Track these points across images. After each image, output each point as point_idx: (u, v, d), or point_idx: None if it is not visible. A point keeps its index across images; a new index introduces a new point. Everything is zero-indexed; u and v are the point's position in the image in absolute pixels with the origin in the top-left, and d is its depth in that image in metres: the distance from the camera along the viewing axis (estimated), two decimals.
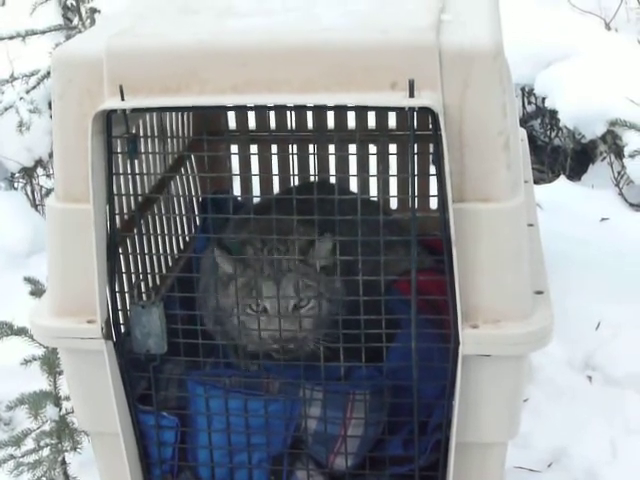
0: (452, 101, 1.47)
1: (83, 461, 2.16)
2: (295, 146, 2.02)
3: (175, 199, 2.20)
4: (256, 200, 2.37)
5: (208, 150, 1.73)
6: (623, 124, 3.11)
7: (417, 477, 1.69)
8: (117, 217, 1.62)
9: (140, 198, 1.78)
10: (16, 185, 3.49)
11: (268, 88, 1.47)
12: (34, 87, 3.26)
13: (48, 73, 3.15)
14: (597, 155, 3.58)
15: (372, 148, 2.36)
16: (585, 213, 3.20)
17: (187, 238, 2.28)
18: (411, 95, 1.43)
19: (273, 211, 1.66)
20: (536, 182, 2.99)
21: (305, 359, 1.70)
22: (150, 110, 1.65)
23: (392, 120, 2.34)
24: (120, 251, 1.68)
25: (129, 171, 1.60)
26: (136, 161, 1.61)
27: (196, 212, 2.37)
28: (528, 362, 2.12)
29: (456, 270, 1.49)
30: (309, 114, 2.34)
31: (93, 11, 3.43)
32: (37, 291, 2.14)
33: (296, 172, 2.12)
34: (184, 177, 2.28)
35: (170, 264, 2.14)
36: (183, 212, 2.27)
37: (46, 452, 2.11)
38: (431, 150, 1.52)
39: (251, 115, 2.43)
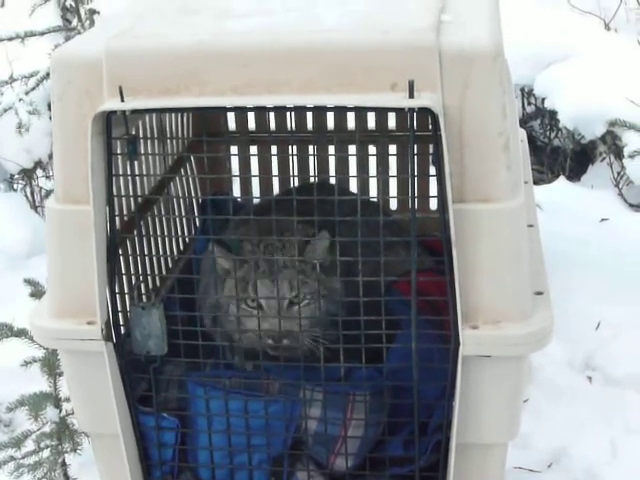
0: (452, 102, 1.47)
1: (83, 462, 2.16)
2: (295, 147, 2.02)
3: (175, 200, 2.20)
4: (256, 201, 2.37)
5: (208, 151, 1.72)
6: (623, 124, 3.11)
7: (417, 478, 1.69)
8: (117, 218, 1.62)
9: (140, 199, 1.78)
10: (15, 186, 3.49)
11: (268, 89, 1.47)
12: (33, 88, 3.26)
13: (47, 74, 3.15)
14: (597, 156, 3.58)
15: (372, 149, 2.36)
16: (585, 214, 3.20)
17: (187, 239, 2.28)
18: (411, 96, 1.43)
19: (273, 212, 1.66)
20: (536, 183, 2.99)
21: (305, 360, 1.70)
22: (150, 111, 1.65)
23: (392, 121, 2.34)
24: (120, 252, 1.68)
25: (129, 172, 1.60)
26: (136, 162, 1.61)
27: (196, 213, 2.37)
28: (528, 363, 2.11)
29: (456, 271, 1.49)
30: (309, 115, 2.34)
31: (92, 12, 3.43)
32: (37, 292, 2.14)
33: (296, 173, 2.12)
34: (184, 178, 2.28)
35: (170, 265, 2.14)
36: (183, 213, 2.26)
37: (46, 453, 2.11)
38: (431, 151, 1.52)
39: (251, 116, 2.43)
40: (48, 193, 3.40)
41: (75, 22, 3.47)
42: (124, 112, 1.50)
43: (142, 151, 1.73)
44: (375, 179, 2.29)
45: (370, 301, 1.58)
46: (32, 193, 3.49)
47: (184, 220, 2.27)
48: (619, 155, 3.36)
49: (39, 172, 3.45)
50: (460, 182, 1.50)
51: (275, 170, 2.43)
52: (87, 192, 1.53)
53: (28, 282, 2.21)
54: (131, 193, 1.67)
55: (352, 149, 2.33)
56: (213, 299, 1.80)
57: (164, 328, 1.64)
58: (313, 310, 1.75)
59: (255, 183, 2.48)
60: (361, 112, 2.23)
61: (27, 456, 2.11)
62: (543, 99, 3.56)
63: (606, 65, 3.46)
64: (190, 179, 2.32)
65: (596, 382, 2.44)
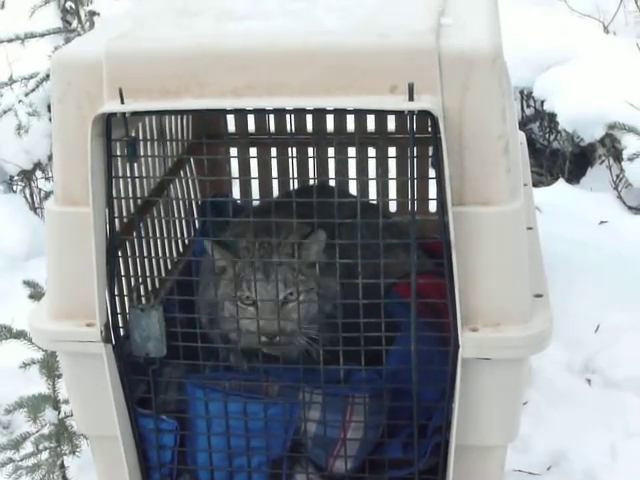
0: (452, 104, 1.47)
1: (82, 465, 2.16)
2: (294, 149, 2.02)
3: (174, 202, 2.20)
4: (256, 203, 2.37)
5: (207, 153, 1.73)
6: (622, 127, 3.11)
7: None
8: (116, 220, 1.62)
9: (139, 201, 1.78)
10: (15, 188, 3.49)
11: (268, 91, 1.47)
12: (33, 90, 3.26)
13: (47, 76, 3.15)
14: (596, 158, 3.59)
15: (371, 151, 2.36)
16: (584, 216, 3.20)
17: (186, 241, 2.28)
18: (411, 98, 1.43)
19: (272, 213, 1.66)
20: (535, 185, 2.99)
21: (301, 361, 1.70)
22: (150, 113, 1.65)
23: (391, 123, 2.34)
24: (119, 254, 1.68)
25: (129, 174, 1.60)
26: (135, 164, 1.61)
27: (195, 215, 2.37)
28: (528, 365, 2.12)
29: (456, 273, 1.49)
30: (309, 117, 2.34)
31: (92, 14, 3.43)
32: (36, 294, 2.14)
33: (295, 175, 2.12)
34: (183, 180, 2.28)
35: (169, 267, 2.14)
36: (182, 215, 2.26)
37: (45, 455, 2.10)
38: (431, 153, 1.52)
39: (250, 118, 2.43)
40: (47, 194, 3.40)
41: (75, 24, 3.47)
42: (124, 114, 1.50)
43: (142, 153, 1.73)
44: (375, 181, 2.30)
45: (370, 303, 1.58)
46: (31, 194, 3.49)
47: (184, 222, 2.27)
48: (618, 158, 3.36)
49: (38, 173, 3.45)
50: (460, 185, 1.50)
51: (275, 172, 2.43)
52: (87, 194, 1.53)
53: (27, 284, 2.21)
54: (131, 195, 1.66)
55: (352, 151, 2.33)
56: (209, 297, 1.80)
57: (163, 330, 1.64)
58: (307, 308, 1.76)
59: (255, 185, 2.48)
60: (361, 114, 2.23)
61: (26, 458, 2.10)
62: (542, 102, 3.57)
63: (605, 68, 3.47)
64: (190, 181, 2.32)
65: (595, 385, 2.44)
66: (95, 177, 1.52)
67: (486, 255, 1.52)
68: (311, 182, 2.36)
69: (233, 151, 2.43)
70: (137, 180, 1.67)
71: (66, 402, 2.06)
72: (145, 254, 1.82)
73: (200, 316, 1.78)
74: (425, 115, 1.43)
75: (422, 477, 1.69)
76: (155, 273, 1.99)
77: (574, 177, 3.64)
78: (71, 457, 2.12)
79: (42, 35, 3.35)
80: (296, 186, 2.18)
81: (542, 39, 3.64)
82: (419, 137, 1.48)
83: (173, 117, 2.15)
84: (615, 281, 2.74)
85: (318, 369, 1.65)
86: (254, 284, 1.72)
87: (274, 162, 2.43)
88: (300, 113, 2.19)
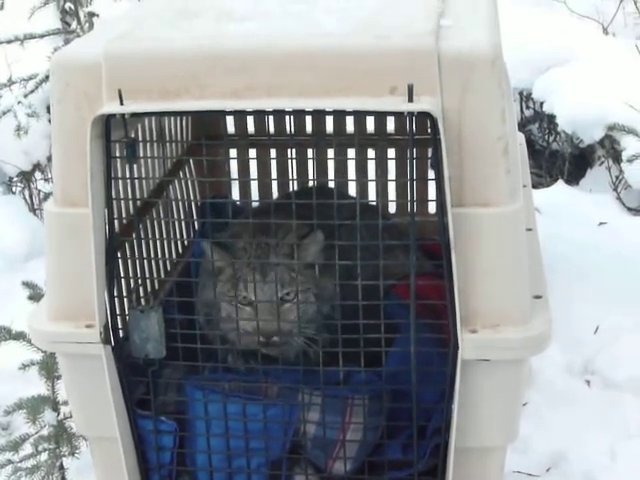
0: (451, 106, 1.47)
1: (81, 466, 2.16)
2: (294, 150, 2.02)
3: (174, 203, 2.20)
4: (255, 204, 2.37)
5: (207, 154, 1.72)
6: (621, 129, 3.11)
7: None
8: (116, 221, 1.62)
9: (139, 202, 1.78)
10: (14, 189, 3.49)
11: (267, 93, 1.47)
12: (32, 91, 3.26)
13: (46, 77, 3.15)
14: (595, 159, 3.59)
15: (371, 153, 2.36)
16: (583, 217, 3.21)
17: (186, 242, 2.28)
18: (410, 100, 1.43)
19: (272, 215, 1.66)
20: (534, 186, 2.99)
21: (298, 361, 1.70)
22: (149, 114, 1.65)
23: (391, 124, 2.34)
24: (119, 255, 1.68)
25: (128, 175, 1.60)
26: (135, 165, 1.61)
27: (195, 216, 2.37)
28: (527, 366, 2.11)
29: (455, 275, 1.49)
30: (308, 118, 2.34)
31: (91, 15, 3.43)
32: (35, 295, 2.14)
33: (295, 176, 2.12)
34: (183, 181, 2.28)
35: (169, 269, 2.14)
36: (182, 216, 2.26)
37: (44, 457, 2.10)
38: (430, 155, 1.52)
39: (250, 119, 2.43)
40: (47, 196, 3.40)
41: (74, 25, 3.47)
42: (123, 115, 1.50)
43: (141, 154, 1.73)
44: (374, 183, 2.30)
45: (369, 304, 1.58)
46: (30, 196, 3.49)
47: (183, 223, 2.27)
48: (617, 159, 3.36)
49: (38, 175, 3.45)
50: (459, 186, 1.50)
51: (274, 173, 2.43)
52: (86, 195, 1.53)
53: (26, 285, 2.20)
54: (130, 196, 1.66)
55: (351, 153, 2.33)
56: (205, 298, 1.80)
57: (162, 331, 1.64)
58: (304, 308, 1.76)
59: (254, 186, 2.48)
60: (360, 116, 2.23)
61: (25, 459, 2.10)
62: (542, 103, 3.57)
63: (604, 69, 3.47)
64: (189, 182, 2.32)
65: (595, 386, 2.44)
66: (94, 178, 1.52)
67: (485, 256, 1.52)
68: (310, 183, 2.36)
69: (233, 152, 2.42)
70: (136, 181, 1.67)
71: (65, 403, 2.05)
72: (144, 255, 1.82)
73: (199, 317, 1.78)
74: (425, 116, 1.43)
75: (421, 478, 1.69)
76: (154, 274, 1.99)
77: (573, 178, 3.64)
78: (70, 458, 2.12)
79: (41, 36, 3.35)
80: (295, 187, 2.18)
81: (541, 40, 3.64)
82: (418, 138, 1.48)
83: (172, 118, 2.15)
84: (614, 282, 2.74)
85: (317, 370, 1.65)
86: (251, 284, 1.72)
87: (273, 163, 2.43)
88: (300, 114, 2.18)
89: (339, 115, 2.23)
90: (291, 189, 2.11)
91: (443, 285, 1.52)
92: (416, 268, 1.53)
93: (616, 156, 3.37)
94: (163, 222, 2.06)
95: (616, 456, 2.20)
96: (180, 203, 2.26)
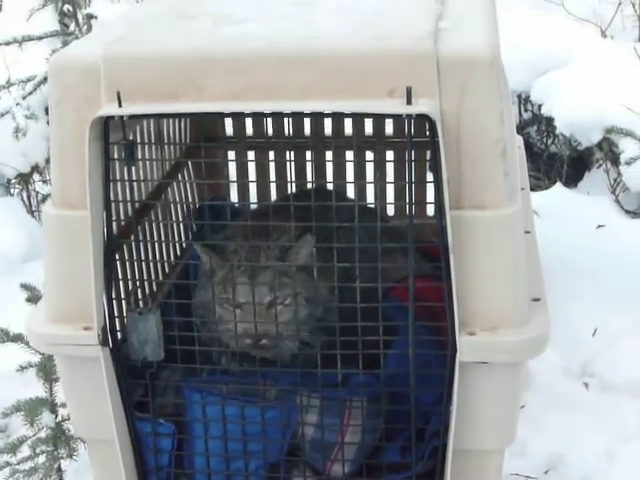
0: (449, 108, 1.47)
1: (79, 468, 2.15)
2: (292, 153, 2.02)
3: (172, 206, 2.20)
4: (253, 207, 2.37)
5: (205, 157, 1.73)
6: (619, 131, 3.12)
7: None
8: (114, 223, 1.62)
9: (137, 205, 1.78)
10: (12, 191, 3.49)
11: (266, 95, 1.47)
12: (30, 93, 3.26)
13: (45, 79, 3.15)
14: (593, 162, 3.59)
15: (369, 155, 2.36)
16: (581, 220, 3.21)
17: (184, 245, 2.28)
18: (409, 102, 1.43)
19: (270, 217, 1.66)
20: (532, 189, 2.99)
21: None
22: (148, 116, 1.65)
23: (389, 127, 2.34)
24: (117, 258, 1.68)
25: (126, 177, 1.60)
26: (133, 167, 1.61)
27: (193, 219, 2.36)
28: (525, 369, 2.12)
29: (453, 277, 1.49)
30: (306, 121, 2.34)
31: (90, 17, 3.43)
32: (33, 297, 2.14)
33: (293, 179, 2.12)
34: (181, 184, 2.28)
35: (167, 271, 2.14)
36: (180, 219, 2.26)
37: (42, 459, 2.10)
38: (428, 157, 1.52)
39: (248, 122, 2.43)
40: (45, 198, 3.40)
41: (73, 27, 3.47)
42: (122, 117, 1.50)
43: (140, 156, 1.73)
44: (372, 185, 2.30)
45: (367, 307, 1.58)
46: (29, 197, 3.49)
47: (181, 225, 2.27)
48: (615, 162, 3.36)
49: (36, 176, 3.45)
50: (457, 188, 1.50)
51: (272, 176, 2.43)
52: (84, 197, 1.53)
53: (24, 287, 2.20)
54: (128, 198, 1.66)
55: (350, 155, 2.33)
56: (199, 299, 1.81)
57: (161, 334, 1.64)
58: (294, 312, 1.75)
59: (252, 189, 2.48)
60: (359, 118, 2.23)
61: (23, 462, 2.10)
62: (540, 105, 3.57)
63: (603, 72, 3.47)
64: (187, 184, 2.32)
65: (593, 389, 2.44)
66: (93, 180, 1.52)
67: (484, 259, 1.52)
68: (309, 186, 2.35)
69: (231, 154, 2.43)
70: (135, 183, 1.67)
71: (63, 406, 2.05)
72: (143, 257, 1.82)
73: (196, 319, 1.78)
74: (423, 119, 1.43)
75: None
76: (153, 276, 1.99)
77: (572, 181, 3.64)
78: (68, 461, 2.12)
79: (40, 38, 3.35)
80: (294, 190, 2.18)
81: (540, 43, 3.64)
82: (417, 141, 1.48)
83: (171, 120, 2.15)
84: (612, 285, 2.74)
85: (316, 373, 1.65)
86: (240, 287, 1.71)
87: (272, 165, 2.43)
88: (298, 117, 2.19)
89: (338, 117, 2.23)
90: (289, 191, 2.10)
91: (441, 287, 1.52)
92: (415, 270, 1.53)
93: (614, 159, 3.37)
94: (161, 224, 2.06)
95: (614, 459, 2.20)
96: (178, 205, 2.26)
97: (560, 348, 2.44)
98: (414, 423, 1.64)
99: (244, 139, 2.43)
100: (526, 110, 3.82)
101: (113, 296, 1.62)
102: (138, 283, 1.82)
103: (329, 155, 2.35)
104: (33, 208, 3.48)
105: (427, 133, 1.46)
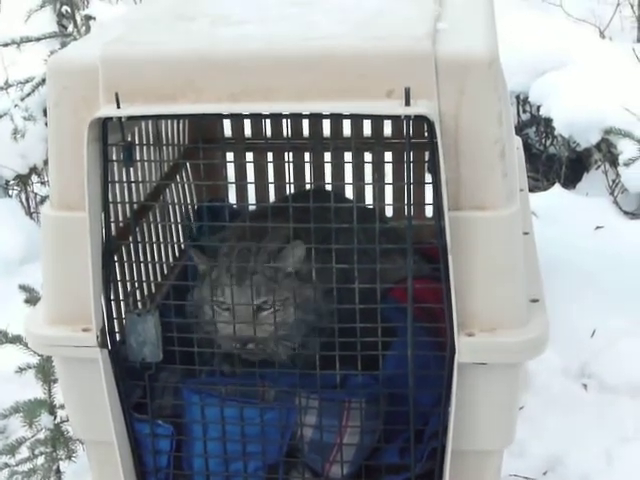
0: (448, 109, 1.47)
1: (78, 470, 2.15)
2: (291, 154, 2.02)
3: (170, 207, 2.20)
4: (251, 208, 2.37)
5: (204, 158, 1.72)
6: (618, 132, 3.11)
7: None
8: (112, 225, 1.62)
9: (136, 206, 1.78)
10: (10, 192, 3.48)
11: (264, 96, 1.47)
12: (29, 94, 3.25)
13: (43, 80, 3.15)
14: (592, 163, 3.59)
15: (368, 156, 2.36)
16: (580, 221, 3.21)
17: (182, 246, 2.28)
18: (407, 103, 1.43)
19: (269, 219, 1.66)
20: (531, 190, 3.00)
21: (301, 367, 1.70)
22: (146, 118, 1.65)
23: (388, 128, 2.34)
24: (115, 259, 1.68)
25: (125, 179, 1.60)
26: (131, 169, 1.61)
27: (192, 220, 2.36)
28: (524, 370, 2.11)
29: (452, 278, 1.49)
30: (305, 122, 2.34)
31: (88, 18, 3.43)
32: (32, 299, 2.13)
33: (292, 180, 2.12)
34: (179, 185, 2.28)
35: (165, 272, 2.14)
36: (179, 220, 2.26)
37: (41, 461, 2.10)
38: (427, 158, 1.52)
39: (247, 123, 2.43)
40: (43, 199, 3.40)
41: (71, 28, 3.47)
42: (120, 119, 1.50)
43: (138, 157, 1.73)
44: (371, 186, 2.30)
45: (366, 308, 1.58)
46: (27, 199, 3.49)
47: (180, 227, 2.27)
48: (614, 163, 3.36)
49: (34, 178, 3.44)
50: (456, 189, 1.50)
51: (271, 177, 2.43)
52: (82, 198, 1.53)
53: (23, 288, 2.20)
54: (127, 200, 1.66)
55: (348, 156, 2.33)
56: (191, 300, 1.81)
57: (159, 335, 1.63)
58: (283, 317, 1.75)
59: (251, 190, 2.48)
60: (357, 119, 2.23)
61: (21, 463, 2.10)
62: (538, 107, 3.57)
63: (601, 73, 3.47)
64: (186, 186, 2.32)
65: (592, 390, 2.44)
66: (91, 182, 1.52)
67: (482, 260, 1.52)
68: (307, 187, 2.35)
69: (229, 156, 2.43)
70: (133, 185, 1.67)
71: (62, 407, 2.05)
72: (141, 259, 1.82)
73: (193, 320, 1.78)
74: (421, 120, 1.43)
75: None
76: (151, 278, 1.99)
77: (570, 182, 3.64)
78: (67, 462, 2.12)
79: (38, 39, 3.35)
80: (292, 191, 2.18)
81: (538, 44, 3.64)
82: (415, 142, 1.48)
83: (169, 121, 2.15)
84: (611, 286, 2.74)
85: (314, 374, 1.65)
86: (228, 289, 1.71)
87: (270, 167, 2.43)
88: (296, 118, 2.19)
89: (336, 118, 2.23)
90: (288, 193, 2.11)
91: (440, 288, 1.52)
92: (414, 271, 1.53)
93: (613, 160, 3.37)
94: (160, 225, 2.06)
95: (613, 460, 2.20)
96: (177, 207, 2.26)
97: (559, 349, 2.44)
98: (413, 424, 1.64)
99: (242, 140, 2.43)
100: (525, 111, 3.82)
101: (112, 297, 1.62)
102: (137, 284, 1.82)
103: (328, 156, 2.35)
104: (31, 209, 3.48)
105: (426, 134, 1.46)
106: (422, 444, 1.70)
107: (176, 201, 2.24)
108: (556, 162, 3.68)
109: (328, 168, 2.37)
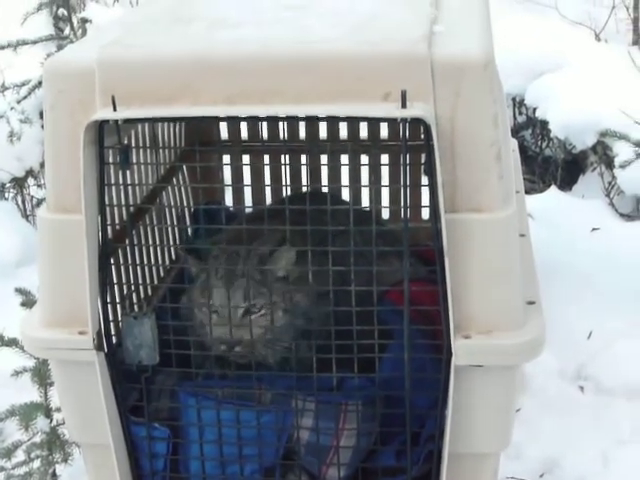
0: (444, 112, 1.47)
1: (74, 473, 2.15)
2: (287, 156, 2.02)
3: (167, 210, 2.20)
4: (248, 211, 2.37)
5: (200, 161, 1.73)
6: (613, 135, 3.12)
7: None
8: (109, 228, 1.62)
9: (132, 209, 1.78)
10: (7, 195, 3.48)
11: (261, 99, 1.47)
12: (25, 97, 3.26)
13: (39, 83, 3.15)
14: (588, 165, 3.60)
15: (364, 159, 2.36)
16: (576, 223, 3.21)
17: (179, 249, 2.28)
18: (403, 106, 1.43)
19: (265, 221, 1.66)
20: (527, 192, 3.00)
21: (298, 369, 1.70)
22: (142, 121, 1.65)
23: (384, 131, 2.35)
24: (112, 262, 1.67)
25: (121, 182, 1.60)
26: (128, 171, 1.61)
27: (188, 223, 2.36)
28: (521, 372, 2.12)
29: (448, 280, 1.49)
30: (301, 125, 2.34)
31: (84, 21, 3.43)
32: (28, 302, 2.13)
33: (288, 182, 2.13)
34: (176, 188, 2.27)
35: (162, 275, 2.14)
36: (175, 223, 2.26)
37: (37, 464, 2.10)
38: (423, 161, 1.52)
39: (243, 126, 2.43)
40: (39, 202, 3.40)
41: (67, 31, 3.47)
42: (116, 121, 1.50)
43: (134, 160, 1.73)
44: (367, 189, 2.30)
45: (363, 310, 1.58)
46: (23, 202, 3.49)
47: (176, 229, 2.27)
48: (610, 165, 3.37)
49: (30, 181, 3.44)
50: (452, 192, 1.50)
51: (267, 180, 2.43)
52: (79, 201, 1.53)
53: (19, 291, 2.20)
54: (123, 202, 1.66)
55: (344, 159, 2.33)
56: (184, 302, 1.81)
57: (156, 338, 1.63)
58: (269, 320, 1.75)
59: (247, 193, 2.48)
60: (353, 122, 2.23)
61: (17, 466, 2.10)
62: (534, 109, 3.58)
63: (597, 75, 3.48)
64: (182, 188, 2.32)
65: (588, 392, 2.45)
66: (87, 184, 1.52)
67: (479, 262, 1.52)
68: (304, 189, 2.36)
69: (226, 158, 2.42)
70: (129, 187, 1.67)
71: (58, 410, 2.05)
72: (138, 261, 1.81)
73: (189, 323, 1.78)
74: (418, 122, 1.43)
75: None
76: (148, 280, 1.99)
77: (566, 184, 3.65)
78: (63, 465, 2.12)
79: (34, 42, 3.35)
80: (289, 193, 2.18)
81: (534, 46, 3.65)
82: (412, 144, 1.48)
83: (166, 124, 2.15)
84: (607, 288, 2.74)
85: (311, 377, 1.65)
86: (216, 292, 1.71)
87: (267, 169, 2.43)
88: (293, 120, 2.19)
89: (332, 121, 2.23)
90: (284, 195, 2.10)
91: (437, 291, 1.52)
92: (410, 274, 1.53)
93: (608, 162, 3.38)
94: (156, 228, 2.06)
95: (609, 462, 2.20)
96: (173, 209, 2.25)
97: (555, 351, 2.44)
98: (409, 427, 1.64)
99: (239, 143, 2.43)
100: (520, 113, 3.82)
101: (108, 300, 1.62)
102: (133, 287, 1.82)
103: (324, 159, 2.35)
104: (28, 212, 3.48)
105: (422, 137, 1.46)
106: (419, 447, 1.70)
107: (173, 204, 2.24)
108: (552, 164, 3.68)
109: (325, 171, 2.37)
